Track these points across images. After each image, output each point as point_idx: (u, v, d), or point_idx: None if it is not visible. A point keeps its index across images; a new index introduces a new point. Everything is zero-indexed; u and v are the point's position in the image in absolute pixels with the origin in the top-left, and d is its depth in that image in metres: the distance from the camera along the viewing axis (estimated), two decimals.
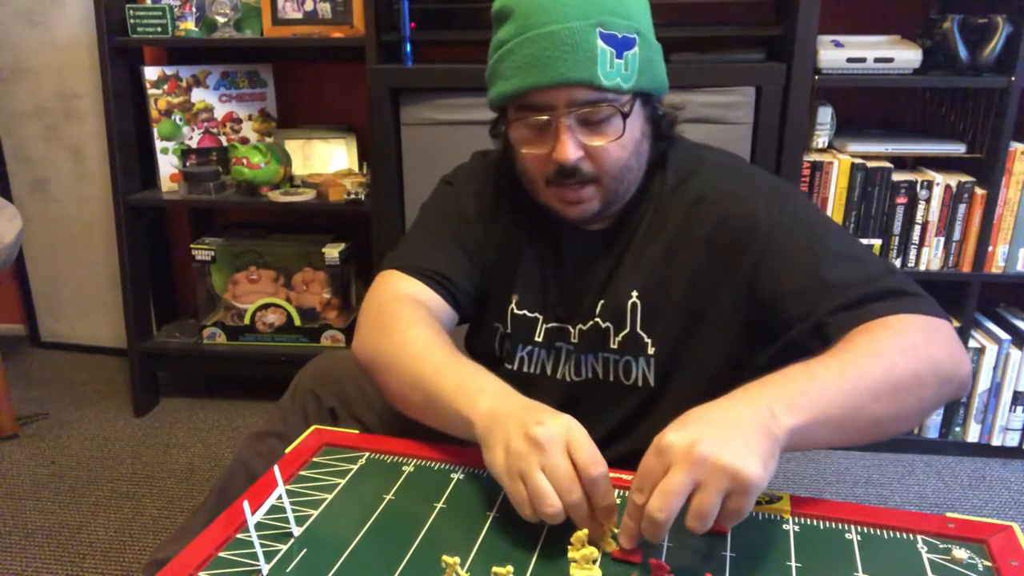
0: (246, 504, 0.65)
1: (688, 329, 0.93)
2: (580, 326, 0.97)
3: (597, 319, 0.96)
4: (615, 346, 0.95)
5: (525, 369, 1.00)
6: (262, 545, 0.65)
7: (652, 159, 0.93)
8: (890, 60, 1.70)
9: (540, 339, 0.99)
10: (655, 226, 0.93)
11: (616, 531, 0.66)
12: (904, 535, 0.69)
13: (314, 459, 0.80)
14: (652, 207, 0.94)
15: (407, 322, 0.88)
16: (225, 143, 2.12)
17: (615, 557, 0.65)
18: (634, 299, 0.94)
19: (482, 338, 1.04)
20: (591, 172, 0.87)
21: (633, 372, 0.96)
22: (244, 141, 2.13)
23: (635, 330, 0.94)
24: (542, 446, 0.65)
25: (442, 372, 0.80)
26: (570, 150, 0.84)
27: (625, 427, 0.97)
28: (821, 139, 1.81)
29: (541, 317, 0.99)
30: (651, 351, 0.94)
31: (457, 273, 0.98)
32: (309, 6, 1.97)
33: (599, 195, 0.89)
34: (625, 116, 0.85)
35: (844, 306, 0.81)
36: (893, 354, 0.74)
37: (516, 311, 0.99)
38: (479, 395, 0.75)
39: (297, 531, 0.68)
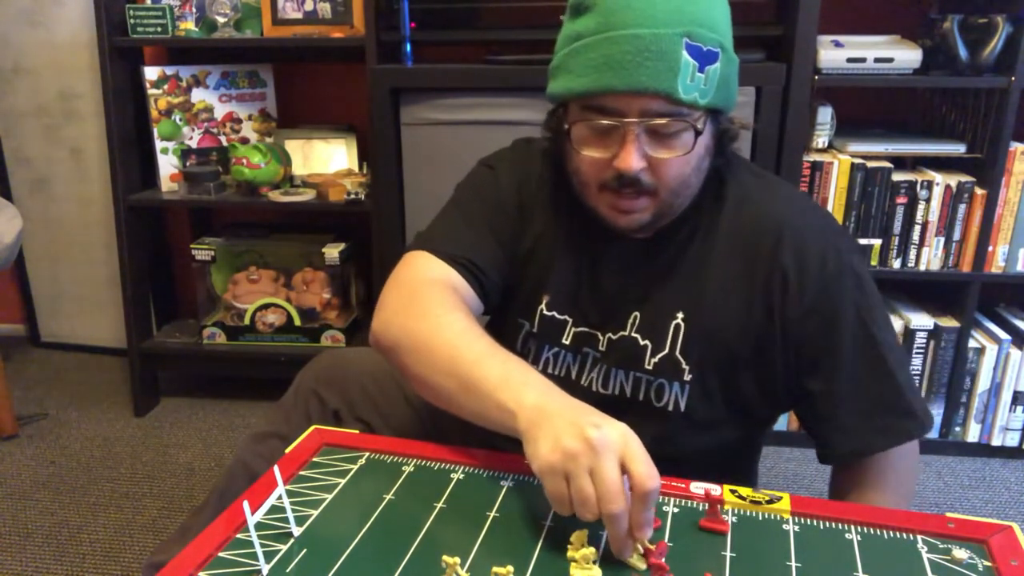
0: (246, 504, 0.65)
1: (730, 362, 0.90)
2: (610, 335, 0.94)
3: (635, 335, 0.92)
4: (650, 367, 0.92)
5: (549, 371, 0.97)
6: (262, 545, 0.64)
7: (708, 174, 0.90)
8: (890, 60, 1.70)
9: (568, 342, 0.96)
10: (711, 249, 0.90)
11: (652, 546, 0.65)
12: (904, 535, 0.69)
13: (314, 459, 0.80)
14: (705, 227, 0.90)
15: (442, 307, 0.85)
16: (225, 143, 2.12)
17: (653, 569, 0.64)
18: (679, 320, 0.90)
19: (504, 333, 1.00)
20: (650, 184, 0.83)
21: (665, 395, 0.92)
22: (244, 141, 2.13)
23: (674, 353, 0.91)
24: (596, 449, 0.64)
25: (483, 362, 0.78)
26: (635, 160, 0.81)
27: (649, 448, 0.95)
28: (821, 139, 1.81)
29: (571, 320, 0.96)
30: (687, 377, 0.90)
31: (489, 263, 0.95)
32: (309, 6, 1.97)
33: (653, 206, 0.86)
34: (698, 133, 0.82)
35: (855, 452, 0.89)
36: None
37: (546, 312, 0.96)
38: (525, 388, 0.73)
39: (297, 531, 0.68)
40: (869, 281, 0.89)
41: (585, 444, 0.64)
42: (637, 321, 0.93)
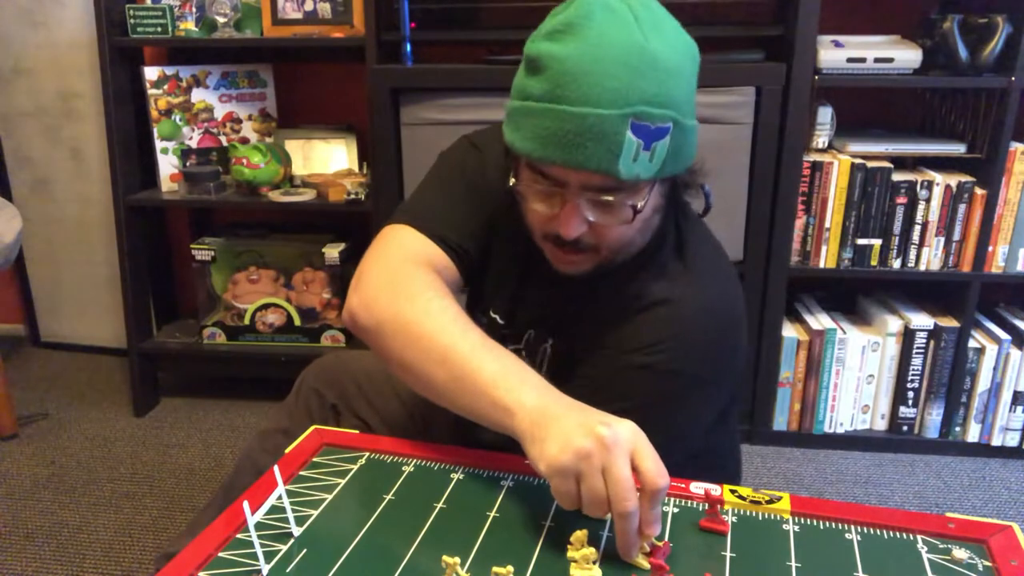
0: (246, 504, 0.65)
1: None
2: (512, 344, 0.95)
3: (523, 350, 0.94)
4: None
5: None
6: (262, 545, 0.65)
7: (664, 222, 0.88)
8: (890, 60, 1.70)
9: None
10: (609, 294, 0.88)
11: (659, 543, 0.65)
12: (904, 535, 0.69)
13: (314, 459, 0.80)
14: (625, 276, 0.88)
15: (431, 290, 0.83)
16: (225, 143, 2.12)
17: (653, 569, 0.64)
18: (547, 346, 0.92)
19: None
20: (591, 243, 0.83)
21: None
22: (244, 141, 2.13)
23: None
24: (608, 448, 0.63)
25: (478, 355, 0.76)
26: (573, 228, 0.80)
27: None
28: (821, 139, 1.81)
29: (503, 322, 0.97)
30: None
31: (474, 246, 0.93)
32: (309, 6, 1.97)
33: (594, 261, 0.85)
34: (636, 211, 0.79)
35: None
36: None
37: (492, 312, 0.98)
38: (523, 386, 0.72)
39: (297, 531, 0.68)
40: (689, 398, 0.87)
41: (598, 443, 0.64)
42: (528, 340, 0.94)
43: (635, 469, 0.64)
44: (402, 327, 0.81)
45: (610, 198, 0.79)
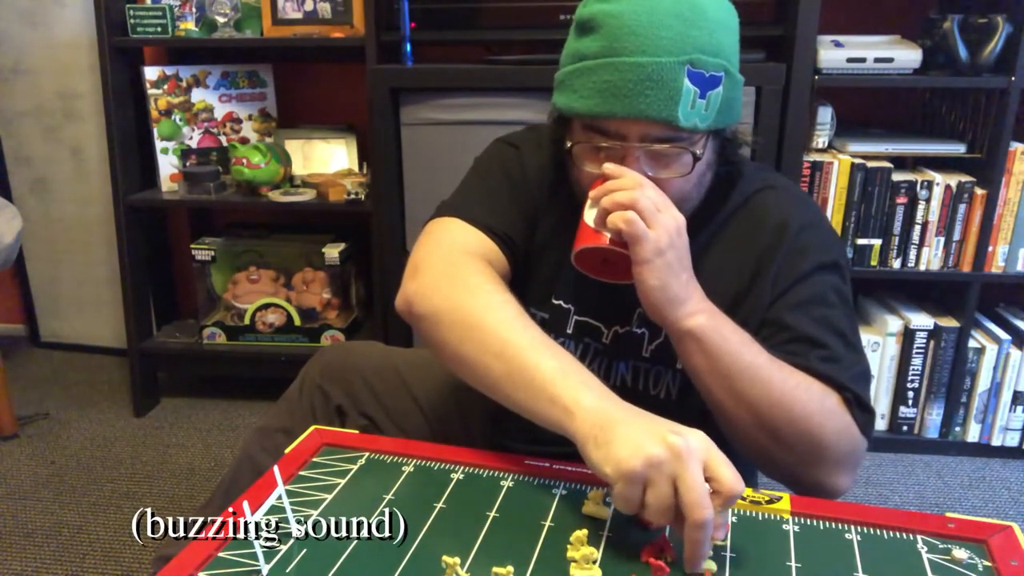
0: (246, 504, 0.65)
1: None
2: (616, 328, 0.94)
3: (632, 328, 0.93)
4: (647, 355, 0.93)
5: None
6: (262, 545, 0.64)
7: (714, 181, 0.90)
8: (890, 60, 1.70)
9: (570, 331, 0.96)
10: (711, 242, 0.91)
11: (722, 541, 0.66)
12: (904, 535, 0.69)
13: (314, 459, 0.80)
14: (709, 224, 0.91)
15: (490, 284, 0.83)
16: (225, 143, 2.12)
17: (653, 569, 0.63)
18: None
19: None
20: None
21: (660, 383, 0.93)
22: (244, 141, 2.13)
23: (668, 340, 0.91)
24: (681, 457, 0.62)
25: (538, 351, 0.75)
26: None
27: None
28: (821, 139, 1.81)
29: (573, 309, 0.96)
30: (679, 364, 0.91)
31: (518, 236, 0.94)
32: (309, 6, 1.97)
33: None
34: (696, 158, 0.82)
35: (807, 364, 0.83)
36: (799, 390, 0.80)
37: (554, 300, 0.96)
38: (583, 388, 0.71)
39: (297, 531, 0.68)
40: (841, 265, 0.93)
41: (670, 451, 0.63)
42: (640, 315, 0.93)
43: (708, 478, 0.63)
44: (461, 318, 0.80)
45: (668, 149, 0.81)
